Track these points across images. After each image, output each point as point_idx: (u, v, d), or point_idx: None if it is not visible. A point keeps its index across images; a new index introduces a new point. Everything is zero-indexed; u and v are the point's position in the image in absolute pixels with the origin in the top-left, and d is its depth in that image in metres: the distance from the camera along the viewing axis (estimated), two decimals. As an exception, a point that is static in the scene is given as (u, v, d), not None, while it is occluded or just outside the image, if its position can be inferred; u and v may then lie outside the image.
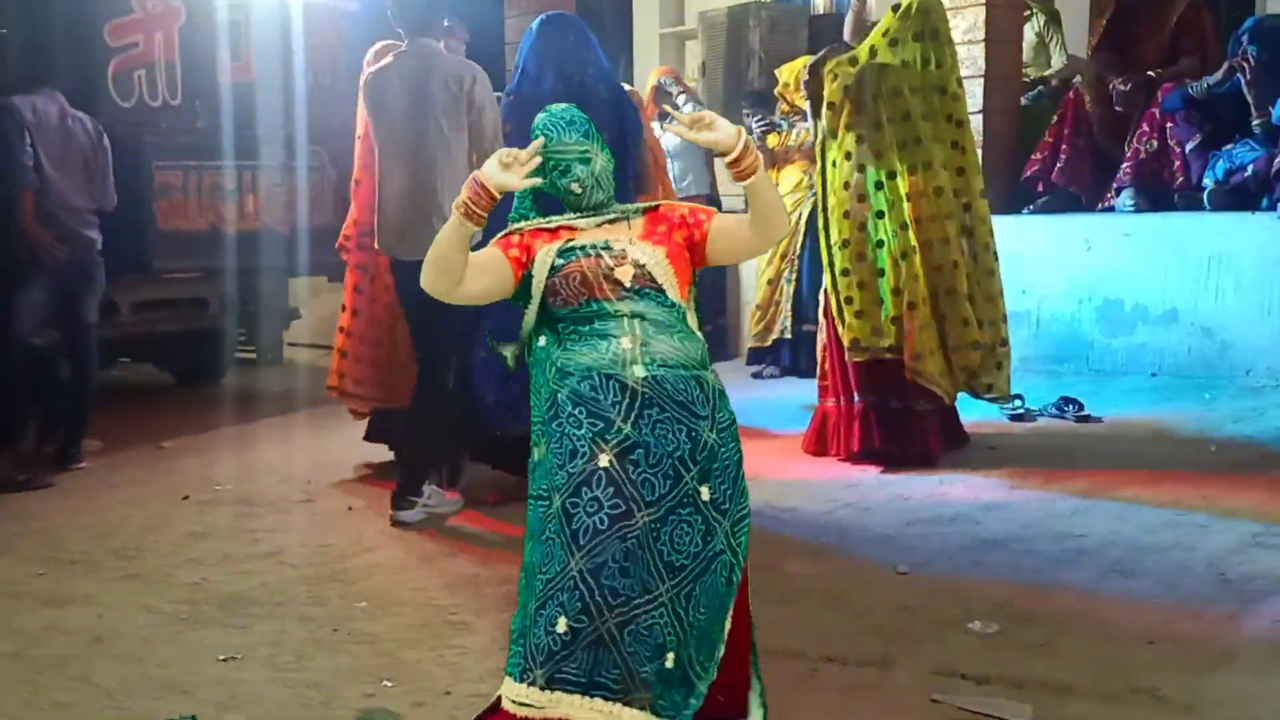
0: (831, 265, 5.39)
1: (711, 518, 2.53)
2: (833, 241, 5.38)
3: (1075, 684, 3.13)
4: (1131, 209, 6.94)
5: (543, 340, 2.71)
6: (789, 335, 7.64)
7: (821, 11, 10.85)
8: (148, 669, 3.44)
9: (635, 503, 2.47)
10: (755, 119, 7.82)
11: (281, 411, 7.47)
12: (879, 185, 5.29)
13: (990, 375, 5.34)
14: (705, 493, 2.53)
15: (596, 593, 2.43)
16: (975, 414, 5.93)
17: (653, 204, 2.81)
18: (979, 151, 7.48)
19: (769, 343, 7.76)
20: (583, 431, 2.52)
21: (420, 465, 4.91)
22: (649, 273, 2.64)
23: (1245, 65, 6.49)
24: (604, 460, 2.50)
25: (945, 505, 4.79)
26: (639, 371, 2.55)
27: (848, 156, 5.35)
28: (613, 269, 2.63)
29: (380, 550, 4.54)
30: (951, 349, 5.28)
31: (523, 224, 2.75)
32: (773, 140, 7.69)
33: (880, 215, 5.29)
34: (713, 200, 8.15)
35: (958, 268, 5.28)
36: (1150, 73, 7.18)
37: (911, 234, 5.24)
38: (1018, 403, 6.18)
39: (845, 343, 5.29)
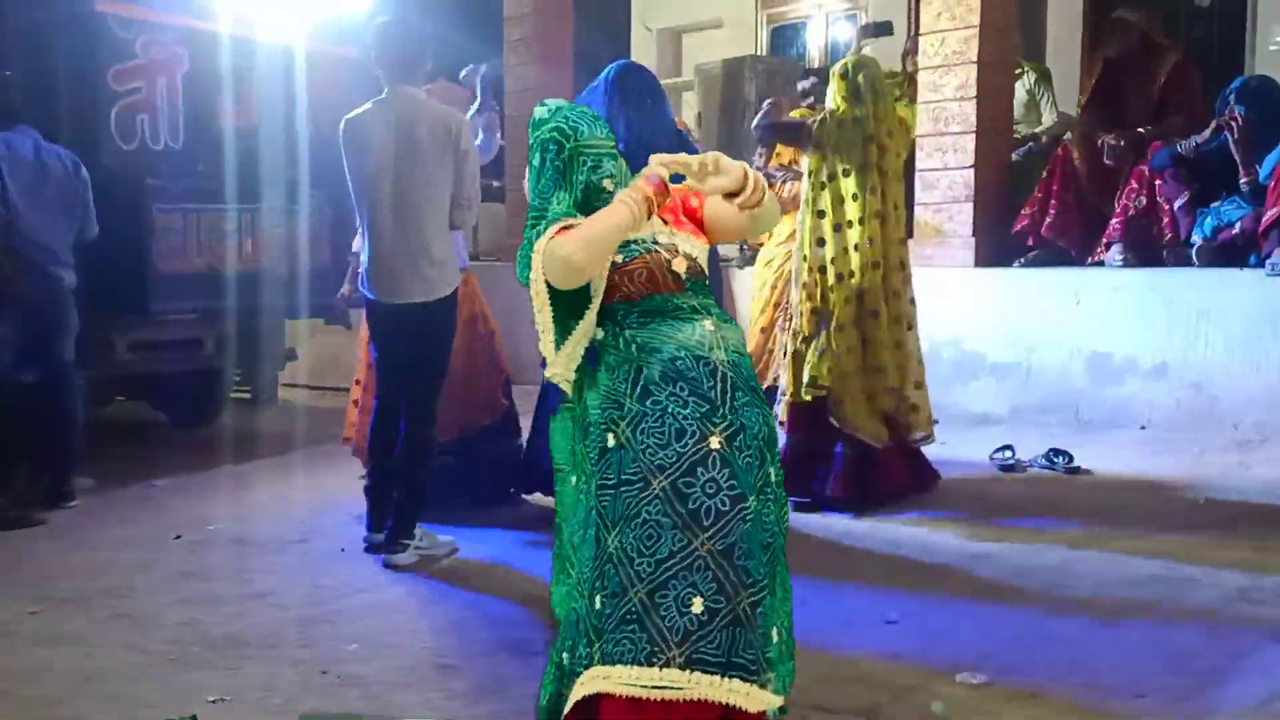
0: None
1: (780, 497, 2.62)
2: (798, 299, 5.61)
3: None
4: (1121, 264, 7.02)
5: (600, 333, 2.67)
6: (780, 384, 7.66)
7: (817, 65, 10.99)
8: (136, 710, 3.44)
9: (747, 485, 2.51)
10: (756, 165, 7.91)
11: (276, 452, 7.48)
12: (837, 228, 5.53)
13: (908, 419, 5.51)
14: (773, 473, 2.60)
15: (731, 574, 2.45)
16: (965, 464, 5.97)
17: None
18: (971, 204, 7.62)
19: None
20: (689, 411, 2.52)
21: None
22: (698, 263, 2.68)
23: (1233, 124, 6.59)
24: (715, 443, 2.51)
25: (934, 554, 4.81)
26: (721, 355, 2.58)
27: (819, 215, 5.56)
28: (669, 262, 2.64)
29: (372, 592, 4.55)
30: (868, 394, 5.47)
31: (576, 219, 2.66)
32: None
33: (833, 261, 5.50)
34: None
35: (878, 317, 5.48)
36: (1139, 130, 7.29)
37: (850, 282, 5.47)
38: (1008, 454, 6.22)
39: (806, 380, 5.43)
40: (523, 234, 2.74)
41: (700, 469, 2.49)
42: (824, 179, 5.54)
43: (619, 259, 2.65)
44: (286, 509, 5.87)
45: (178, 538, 5.35)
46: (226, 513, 5.81)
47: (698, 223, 2.80)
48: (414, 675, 3.67)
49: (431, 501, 5.05)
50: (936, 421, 5.73)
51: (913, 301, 5.63)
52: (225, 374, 8.43)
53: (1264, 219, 6.34)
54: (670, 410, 2.52)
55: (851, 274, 5.46)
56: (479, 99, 5.72)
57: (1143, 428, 6.64)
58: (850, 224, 5.49)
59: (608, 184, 2.73)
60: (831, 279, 5.48)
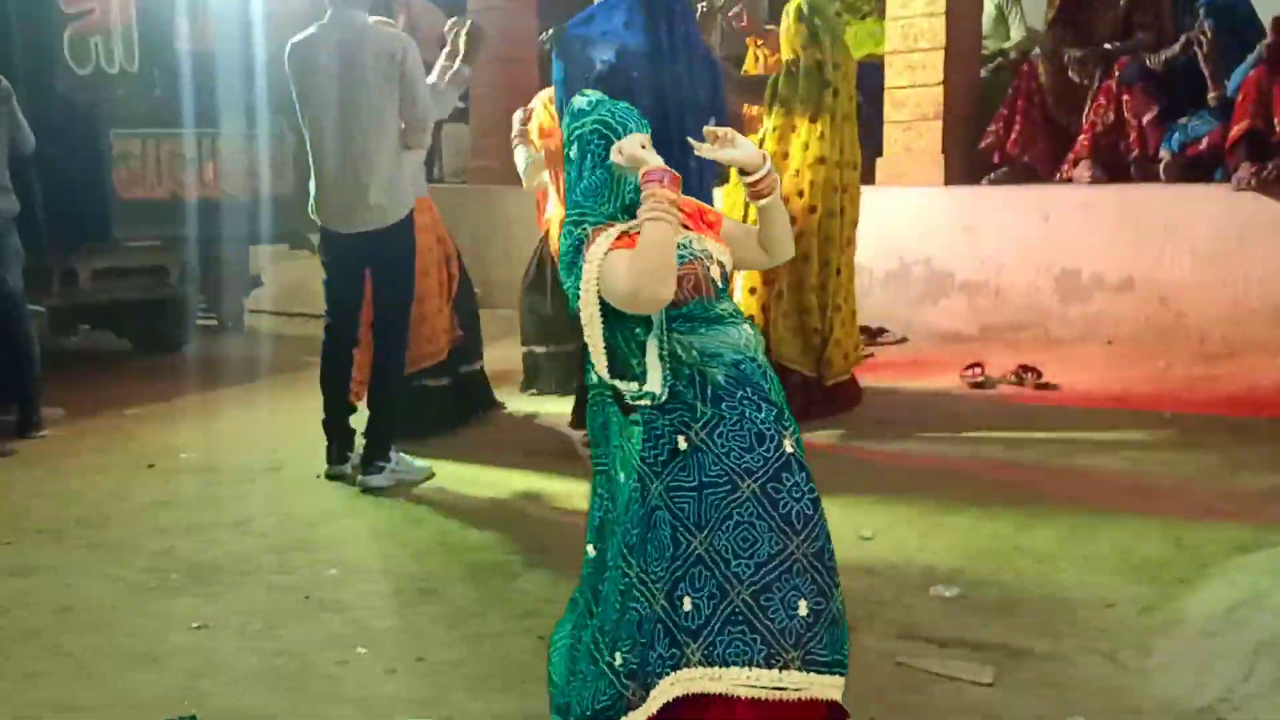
0: None
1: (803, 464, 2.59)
2: None
3: (1034, 647, 3.21)
4: (1088, 180, 7.02)
5: (638, 329, 2.56)
6: None
7: None
8: (117, 638, 3.45)
9: (813, 488, 2.53)
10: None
11: (245, 379, 7.43)
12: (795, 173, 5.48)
13: (827, 358, 5.54)
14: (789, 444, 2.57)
15: (825, 575, 2.48)
16: (934, 380, 6.02)
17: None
18: (940, 121, 7.58)
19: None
20: (763, 415, 2.51)
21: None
22: (726, 270, 2.63)
23: (1202, 39, 6.57)
24: (788, 446, 2.52)
25: (907, 471, 4.86)
26: (762, 359, 2.59)
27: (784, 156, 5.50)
28: (709, 269, 2.59)
29: (348, 518, 4.56)
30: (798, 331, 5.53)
31: (624, 226, 2.57)
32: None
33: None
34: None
35: (808, 261, 5.46)
36: (1106, 46, 7.26)
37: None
38: (977, 370, 6.27)
39: None
40: (562, 231, 2.62)
41: (785, 474, 2.50)
42: (780, 129, 5.50)
43: None
44: (258, 436, 5.85)
45: (151, 466, 5.33)
46: (198, 441, 5.79)
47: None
48: (396, 600, 3.70)
49: (402, 430, 5.06)
50: (870, 355, 5.88)
51: (851, 242, 5.65)
52: (190, 301, 8.34)
53: (1231, 134, 6.36)
54: (748, 415, 2.51)
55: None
56: (460, 55, 5.32)
57: (1110, 343, 6.70)
58: (795, 171, 5.44)
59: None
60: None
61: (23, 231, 5.99)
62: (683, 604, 2.47)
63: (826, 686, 2.46)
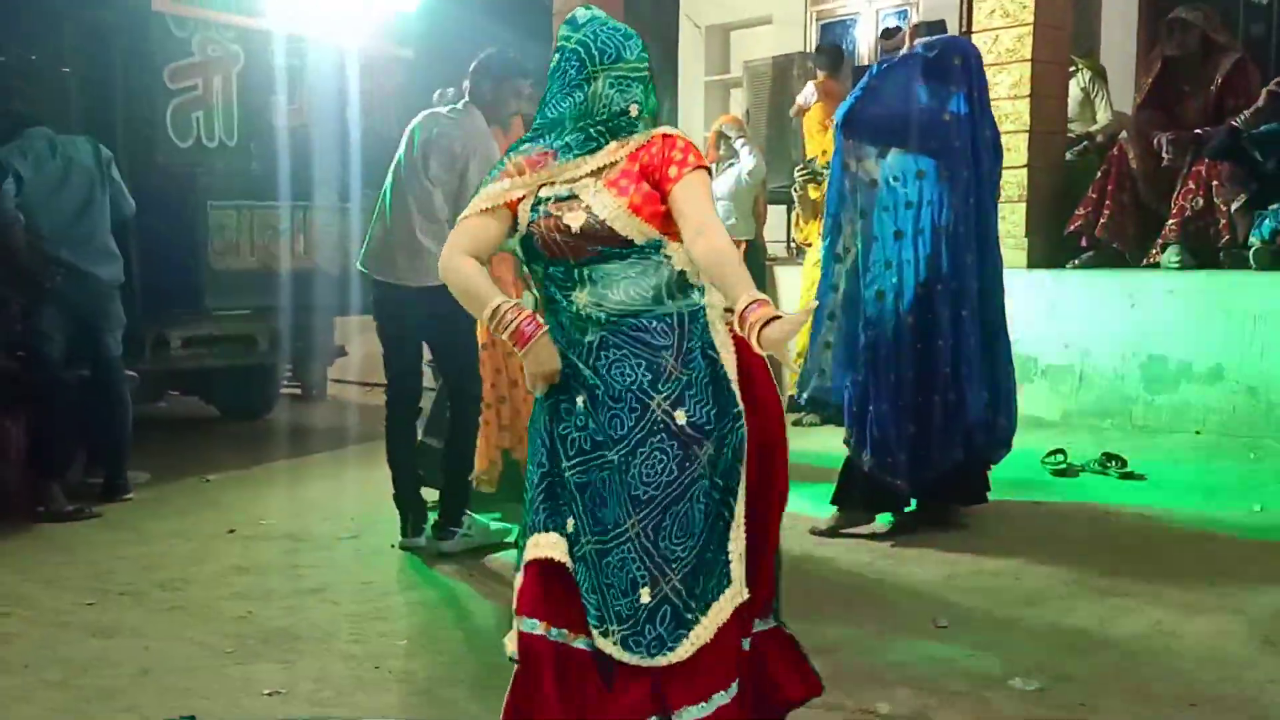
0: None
1: (689, 440, 2.56)
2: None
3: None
4: (1176, 266, 6.93)
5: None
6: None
7: (865, 62, 10.94)
8: (193, 701, 3.48)
9: (606, 440, 2.58)
10: (798, 168, 7.91)
11: (326, 447, 7.55)
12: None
13: None
14: (681, 416, 2.57)
15: (583, 509, 2.59)
16: (1018, 468, 5.91)
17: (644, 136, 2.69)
18: (1024, 204, 7.55)
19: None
20: (565, 368, 2.63)
21: (457, 497, 4.97)
22: (608, 227, 2.57)
23: None
24: (580, 401, 2.62)
25: (985, 560, 4.77)
26: (589, 336, 2.61)
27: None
28: (562, 217, 2.60)
29: (422, 588, 4.59)
30: None
31: (516, 158, 2.69)
32: (814, 192, 7.74)
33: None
34: (755, 246, 8.25)
35: None
36: (1196, 130, 7.19)
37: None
38: (1060, 458, 6.16)
39: None
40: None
41: (568, 413, 2.64)
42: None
43: (531, 217, 2.66)
44: (338, 504, 5.92)
45: (231, 531, 5.42)
46: (279, 507, 5.88)
47: (656, 189, 2.62)
48: (464, 670, 3.70)
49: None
50: None
51: None
52: (277, 370, 8.52)
53: (1324, 221, 6.26)
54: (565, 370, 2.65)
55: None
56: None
57: (1197, 432, 6.56)
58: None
59: (633, 110, 2.66)
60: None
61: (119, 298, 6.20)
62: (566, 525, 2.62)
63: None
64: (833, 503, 5.19)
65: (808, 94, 8.35)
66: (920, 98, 4.99)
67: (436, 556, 4.89)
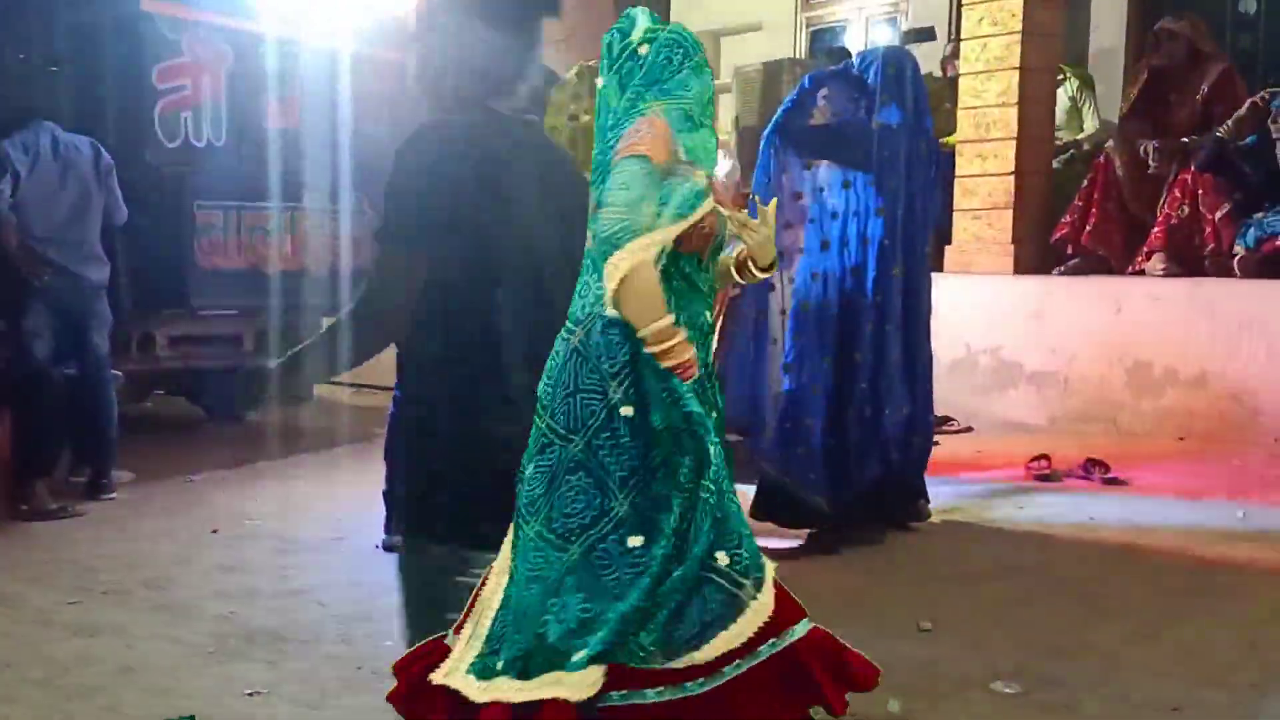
0: None
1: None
2: None
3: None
4: (1162, 273, 6.97)
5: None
6: None
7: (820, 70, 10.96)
8: (174, 700, 3.47)
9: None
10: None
11: (313, 448, 7.54)
12: None
13: None
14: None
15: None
16: (1000, 472, 5.94)
17: None
18: (1010, 211, 7.58)
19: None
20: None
21: None
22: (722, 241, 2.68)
23: (1273, 126, 6.55)
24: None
25: (969, 564, 4.79)
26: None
27: None
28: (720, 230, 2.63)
29: (407, 590, 4.57)
30: None
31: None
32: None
33: None
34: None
35: None
36: (1183, 139, 7.23)
37: None
38: (1044, 463, 6.19)
39: None
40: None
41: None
42: None
43: None
44: (324, 505, 5.91)
45: (215, 531, 5.40)
46: (265, 508, 5.87)
47: None
48: (449, 673, 3.69)
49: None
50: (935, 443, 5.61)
51: None
52: (263, 370, 8.48)
53: (1309, 230, 6.30)
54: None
55: None
56: None
57: (1182, 439, 6.59)
58: None
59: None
60: None
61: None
62: None
63: None
64: (751, 515, 5.11)
65: None
66: (847, 109, 4.98)
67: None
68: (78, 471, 6.26)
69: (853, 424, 4.94)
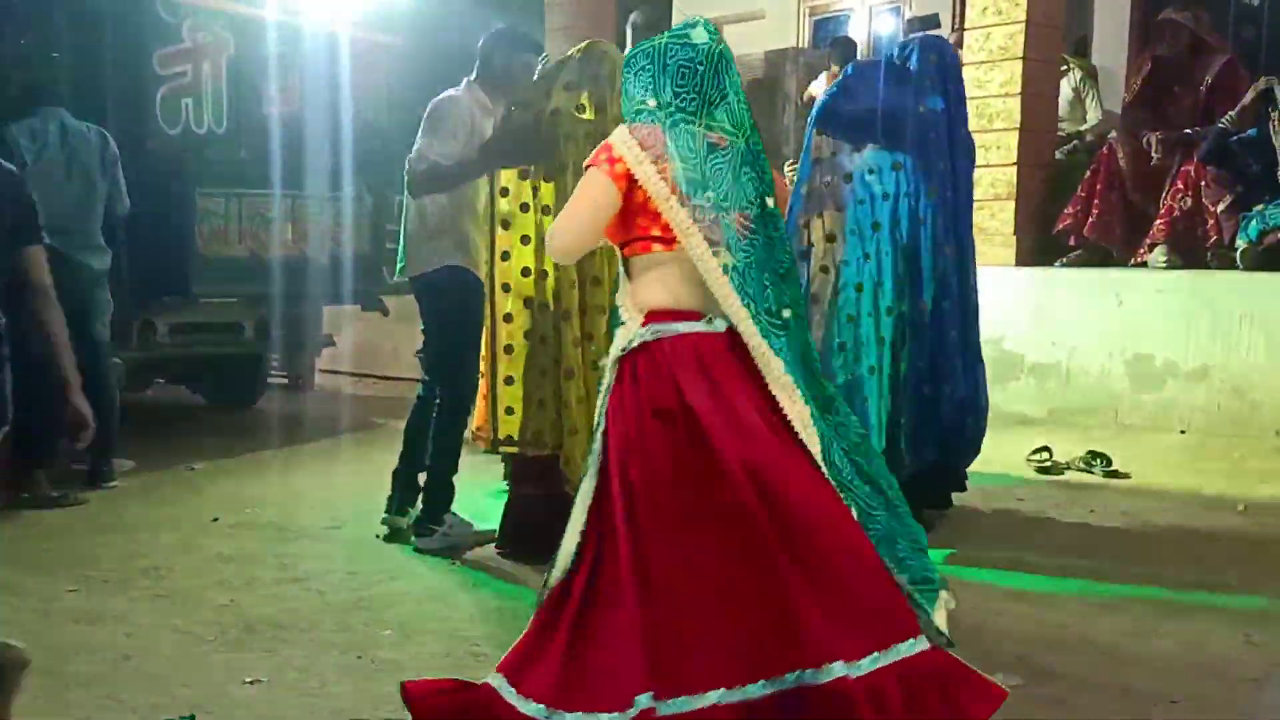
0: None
1: None
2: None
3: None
4: (1164, 265, 6.95)
5: None
6: None
7: (860, 58, 10.94)
8: (174, 689, 3.47)
9: None
10: (786, 162, 7.91)
11: (313, 437, 7.54)
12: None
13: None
14: None
15: None
16: (1001, 466, 5.93)
17: None
18: (1013, 202, 7.56)
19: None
20: None
21: (439, 495, 4.95)
22: None
23: (1273, 114, 6.54)
24: None
25: (968, 555, 4.78)
26: None
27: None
28: None
29: (406, 579, 4.58)
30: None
31: None
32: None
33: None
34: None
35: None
36: (1186, 130, 7.21)
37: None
38: (1045, 455, 6.18)
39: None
40: None
41: None
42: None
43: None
44: (323, 494, 5.92)
45: (215, 520, 5.40)
46: (263, 497, 5.87)
47: None
48: (448, 662, 3.69)
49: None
50: None
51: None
52: (264, 358, 8.50)
53: (1312, 222, 6.28)
54: None
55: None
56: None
57: (1183, 432, 6.58)
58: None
59: None
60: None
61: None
62: None
63: None
64: None
65: (820, 86, 8.34)
66: (895, 94, 5.01)
67: (416, 550, 4.90)
68: (78, 460, 6.25)
69: (909, 404, 4.96)
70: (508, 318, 4.72)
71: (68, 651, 3.78)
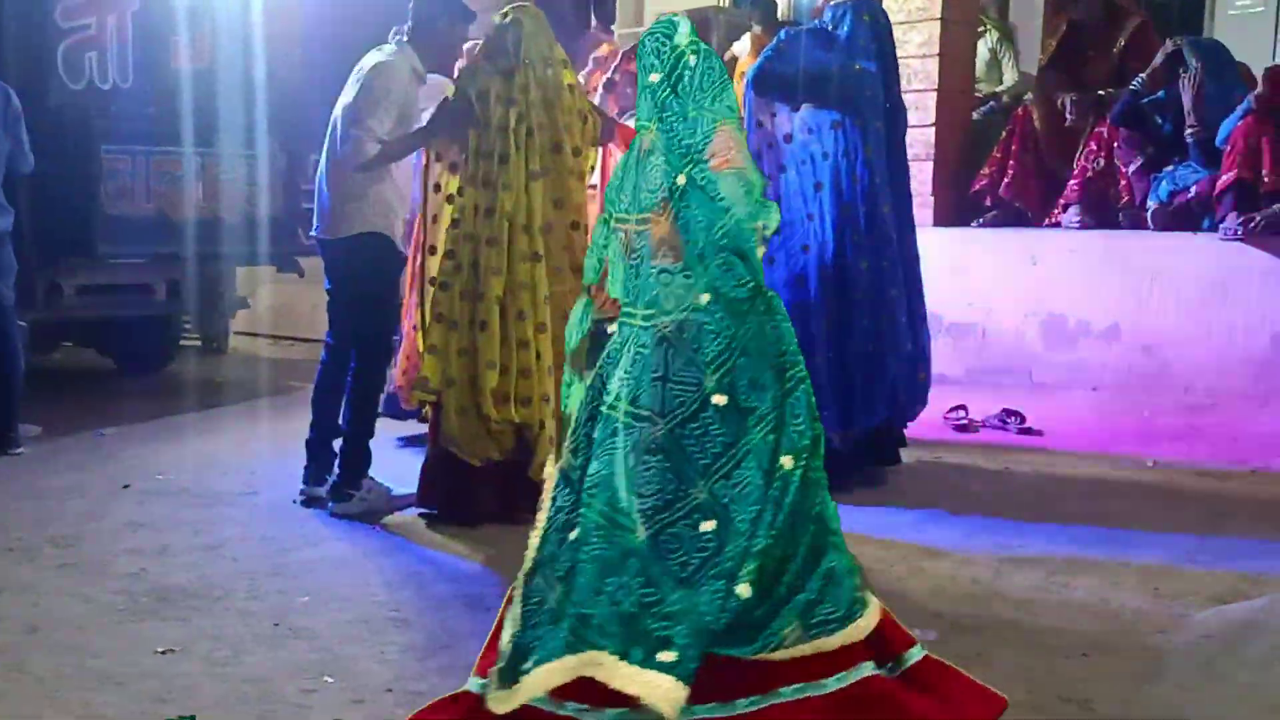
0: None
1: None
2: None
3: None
4: (1077, 226, 7.05)
5: None
6: None
7: (780, 17, 10.90)
8: (83, 659, 3.39)
9: None
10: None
11: (227, 401, 7.41)
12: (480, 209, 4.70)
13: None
14: None
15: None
16: (918, 423, 6.00)
17: None
18: (930, 162, 7.61)
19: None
20: None
21: (357, 459, 4.89)
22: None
23: (1183, 72, 6.65)
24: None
25: (886, 512, 4.84)
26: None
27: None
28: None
29: (322, 545, 4.51)
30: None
31: None
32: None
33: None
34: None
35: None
36: (1100, 92, 7.31)
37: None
38: (961, 413, 6.27)
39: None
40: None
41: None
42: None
43: None
44: (237, 459, 5.81)
45: (126, 487, 5.28)
46: (176, 462, 5.74)
47: None
48: (365, 629, 3.65)
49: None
50: None
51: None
52: (176, 321, 8.32)
53: (1219, 183, 6.40)
54: None
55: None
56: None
57: (1095, 389, 6.71)
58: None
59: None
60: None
61: (7, 243, 5.99)
62: None
63: None
64: None
65: (743, 46, 8.27)
66: (829, 55, 5.01)
67: (332, 515, 4.84)
68: (-19, 425, 6.07)
69: (857, 362, 4.99)
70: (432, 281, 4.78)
71: (-29, 623, 3.68)
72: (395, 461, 5.39)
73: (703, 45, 2.86)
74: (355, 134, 4.69)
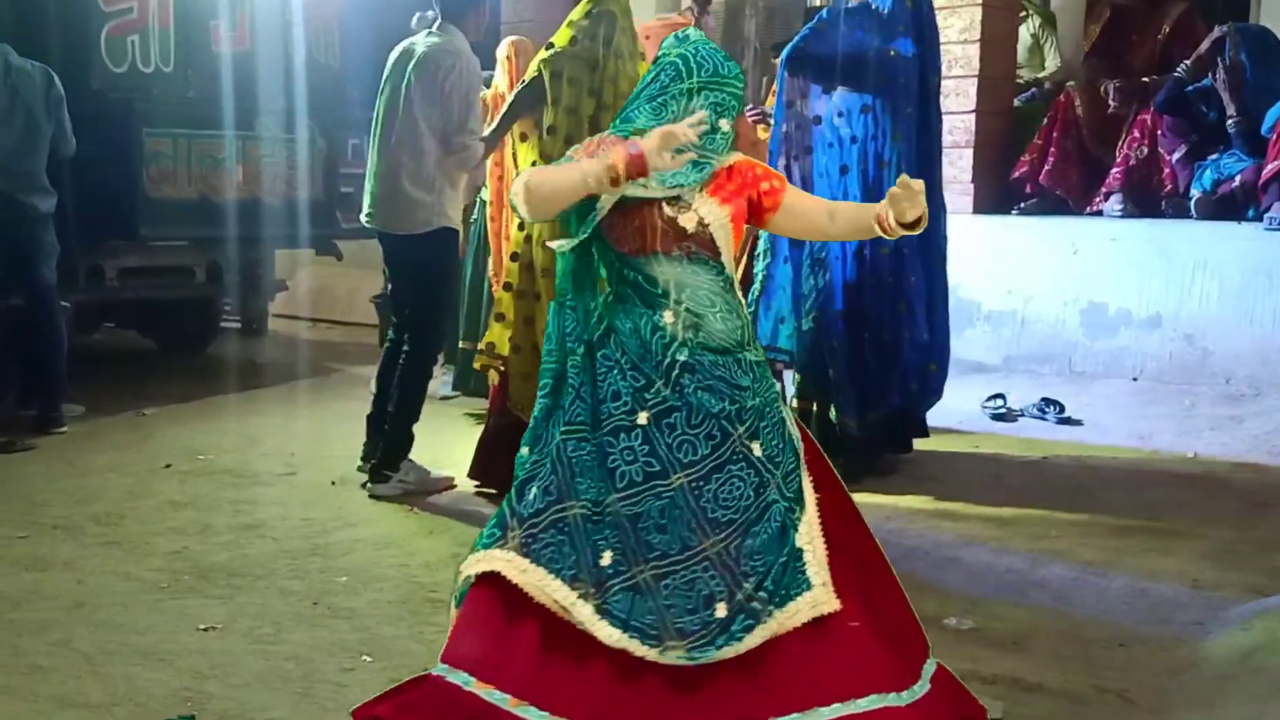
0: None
1: (765, 471, 2.67)
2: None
3: (1046, 683, 3.17)
4: (1119, 214, 6.99)
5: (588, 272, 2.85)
6: None
7: (818, 3, 10.86)
8: (127, 636, 3.45)
9: (672, 464, 2.63)
10: (749, 107, 7.83)
11: (266, 383, 7.47)
12: None
13: None
14: (757, 449, 2.67)
15: (633, 540, 2.60)
16: (956, 412, 5.98)
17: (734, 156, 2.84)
18: (971, 149, 7.55)
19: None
20: (626, 383, 2.69)
21: (396, 442, 4.93)
22: (710, 233, 2.72)
23: (1221, 61, 6.56)
24: (642, 418, 2.66)
25: (923, 501, 4.83)
26: (681, 355, 2.69)
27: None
28: (675, 217, 2.72)
29: (362, 525, 4.55)
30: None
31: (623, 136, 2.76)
32: (763, 133, 7.67)
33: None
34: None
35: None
36: (1143, 79, 7.23)
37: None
38: (999, 402, 6.23)
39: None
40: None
41: (622, 434, 2.66)
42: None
43: (626, 201, 2.72)
44: (276, 440, 5.86)
45: (167, 466, 5.34)
46: (216, 442, 5.80)
47: (752, 206, 2.82)
48: (404, 609, 3.69)
49: None
50: None
51: None
52: (216, 303, 8.39)
53: (1264, 173, 6.32)
54: (612, 375, 2.71)
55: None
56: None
57: (1135, 379, 6.65)
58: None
59: (725, 125, 2.77)
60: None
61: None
62: (529, 493, 2.68)
63: (612, 637, 2.54)
64: None
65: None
66: (865, 38, 4.98)
67: (370, 497, 4.88)
68: (27, 405, 6.15)
69: (872, 350, 4.99)
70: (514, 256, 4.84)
71: (18, 598, 3.74)
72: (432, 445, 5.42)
73: (677, 51, 2.80)
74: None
